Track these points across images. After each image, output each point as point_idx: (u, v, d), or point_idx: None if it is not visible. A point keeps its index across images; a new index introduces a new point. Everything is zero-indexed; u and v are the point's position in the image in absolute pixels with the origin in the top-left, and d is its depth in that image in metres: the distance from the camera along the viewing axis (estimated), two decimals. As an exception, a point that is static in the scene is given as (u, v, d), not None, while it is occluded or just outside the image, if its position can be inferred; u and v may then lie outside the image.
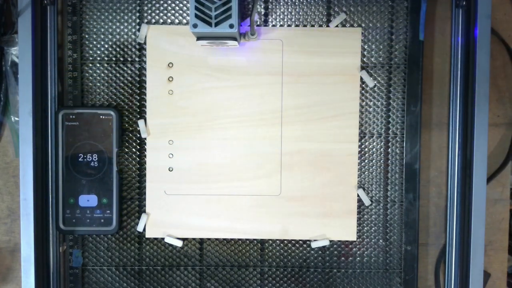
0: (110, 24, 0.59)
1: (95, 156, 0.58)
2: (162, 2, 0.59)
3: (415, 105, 0.59)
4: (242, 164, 0.60)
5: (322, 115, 0.59)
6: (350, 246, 0.61)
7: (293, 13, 0.59)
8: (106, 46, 0.60)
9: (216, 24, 0.50)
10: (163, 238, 0.60)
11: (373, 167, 0.60)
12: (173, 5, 0.59)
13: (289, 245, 0.61)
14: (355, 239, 0.60)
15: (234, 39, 0.53)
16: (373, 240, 0.61)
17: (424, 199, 0.61)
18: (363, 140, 0.60)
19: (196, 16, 0.50)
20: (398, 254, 0.60)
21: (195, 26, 0.50)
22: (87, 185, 0.59)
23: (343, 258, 0.61)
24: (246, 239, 0.61)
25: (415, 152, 0.59)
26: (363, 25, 0.59)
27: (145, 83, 0.59)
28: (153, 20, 0.59)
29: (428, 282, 0.62)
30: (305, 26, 0.59)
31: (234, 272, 0.61)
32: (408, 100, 0.59)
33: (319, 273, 0.61)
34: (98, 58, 0.60)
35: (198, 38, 0.53)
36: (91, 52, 0.60)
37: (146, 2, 0.59)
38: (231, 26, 0.50)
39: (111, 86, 0.60)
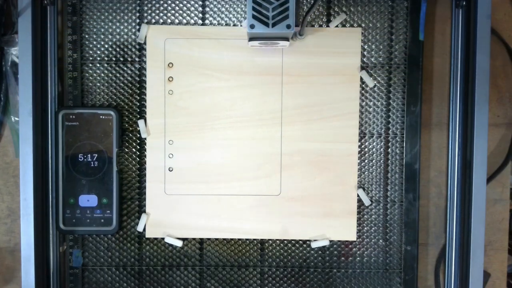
0: (110, 24, 0.59)
1: (95, 156, 0.58)
2: (162, 2, 0.59)
3: (415, 105, 0.59)
4: (242, 164, 0.60)
5: (322, 115, 0.59)
6: (350, 246, 0.61)
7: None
8: (106, 46, 0.60)
9: (274, 25, 0.50)
10: (163, 238, 0.60)
11: (373, 167, 0.60)
12: (173, 5, 0.59)
13: (289, 245, 0.61)
14: (355, 239, 0.60)
15: (286, 39, 0.53)
16: (373, 240, 0.61)
17: (424, 199, 0.61)
18: (363, 140, 0.60)
19: (254, 16, 0.50)
20: (398, 254, 0.60)
21: (252, 26, 0.50)
22: (87, 185, 0.59)
23: (343, 258, 0.61)
24: (246, 239, 0.61)
25: (415, 152, 0.59)
26: (363, 25, 0.59)
27: (145, 83, 0.59)
28: (153, 20, 0.59)
29: (428, 282, 0.62)
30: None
31: (234, 272, 0.61)
32: (408, 100, 0.59)
33: (319, 273, 0.61)
34: (98, 58, 0.60)
35: (251, 39, 0.53)
36: (91, 52, 0.60)
37: (146, 2, 0.59)
38: (288, 26, 0.50)
39: (111, 86, 0.60)
